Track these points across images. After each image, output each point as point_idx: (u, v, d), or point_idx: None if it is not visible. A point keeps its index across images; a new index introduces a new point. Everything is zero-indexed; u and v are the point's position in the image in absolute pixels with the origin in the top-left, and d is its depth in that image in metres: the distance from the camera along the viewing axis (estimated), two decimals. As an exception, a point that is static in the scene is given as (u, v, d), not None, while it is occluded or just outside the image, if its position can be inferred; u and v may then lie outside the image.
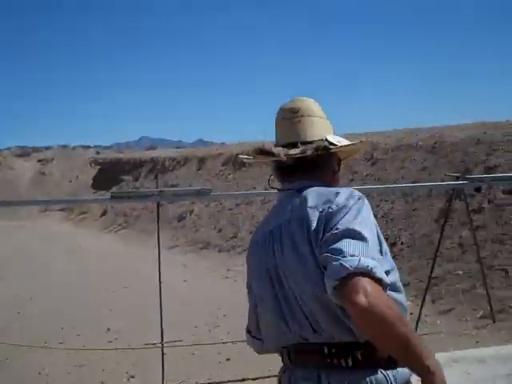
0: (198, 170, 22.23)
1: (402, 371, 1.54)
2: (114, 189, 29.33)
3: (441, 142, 12.15)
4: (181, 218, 17.96)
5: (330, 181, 1.85)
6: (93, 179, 32.36)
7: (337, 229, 1.51)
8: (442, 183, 7.58)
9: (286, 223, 1.70)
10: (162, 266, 13.13)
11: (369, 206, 1.63)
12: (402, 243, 10.15)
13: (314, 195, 1.69)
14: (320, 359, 1.57)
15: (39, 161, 36.66)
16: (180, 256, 14.42)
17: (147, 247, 15.82)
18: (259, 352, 1.84)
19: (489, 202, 9.52)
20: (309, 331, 1.59)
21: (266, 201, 14.81)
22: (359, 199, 1.61)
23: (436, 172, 11.11)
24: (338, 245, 1.46)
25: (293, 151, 1.74)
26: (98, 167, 33.04)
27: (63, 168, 34.92)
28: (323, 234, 1.55)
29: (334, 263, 1.42)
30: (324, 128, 1.84)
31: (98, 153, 40.11)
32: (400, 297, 1.61)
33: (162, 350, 5.60)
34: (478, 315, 7.38)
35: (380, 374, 1.51)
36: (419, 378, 1.41)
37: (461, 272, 8.63)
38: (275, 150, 1.76)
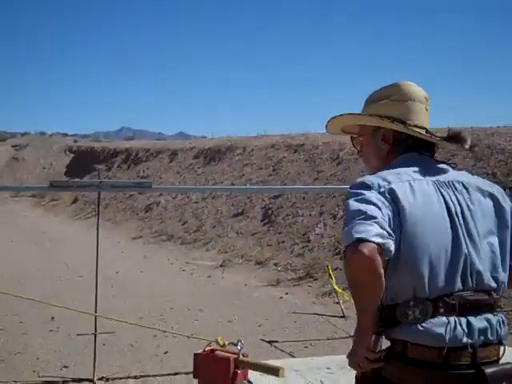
0: (170, 162, 22.13)
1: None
2: (87, 177, 29.11)
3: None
4: (148, 209, 17.88)
5: None
6: (66, 167, 32.11)
7: None
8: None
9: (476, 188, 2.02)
10: (123, 256, 13.08)
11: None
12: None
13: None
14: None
15: (13, 146, 36.27)
16: (142, 247, 14.35)
17: (111, 237, 15.74)
18: None
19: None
20: None
21: (232, 196, 14.80)
22: None
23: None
24: None
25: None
26: (72, 155, 32.80)
27: (38, 155, 34.54)
28: None
29: None
30: None
31: (75, 141, 39.72)
32: None
33: (95, 341, 5.55)
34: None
35: None
36: None
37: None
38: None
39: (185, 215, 15.83)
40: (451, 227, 1.90)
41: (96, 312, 5.73)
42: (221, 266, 11.37)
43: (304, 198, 12.60)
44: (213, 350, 2.52)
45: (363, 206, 1.81)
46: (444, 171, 2.07)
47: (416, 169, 2.01)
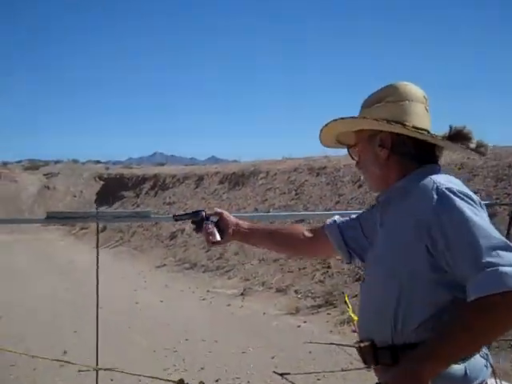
0: (196, 188, 22.19)
1: None
2: (116, 205, 29.41)
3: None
4: (173, 237, 17.88)
5: None
6: (96, 194, 32.46)
7: None
8: None
9: None
10: (145, 285, 13.05)
11: None
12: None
13: None
14: None
15: (45, 175, 36.82)
16: (166, 275, 14.32)
17: (136, 265, 15.77)
18: None
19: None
20: None
21: (256, 222, 14.66)
22: None
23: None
24: None
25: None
26: (102, 183, 33.15)
27: (68, 183, 35.01)
28: None
29: None
30: None
31: (107, 168, 40.23)
32: None
33: (97, 376, 5.46)
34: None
35: None
36: None
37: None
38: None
39: (206, 243, 15.77)
40: None
41: (97, 345, 5.62)
42: (241, 294, 11.26)
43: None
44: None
45: (498, 235, 1.62)
46: None
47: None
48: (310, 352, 7.41)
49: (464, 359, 1.69)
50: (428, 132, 1.93)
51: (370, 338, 1.85)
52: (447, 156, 11.61)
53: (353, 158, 2.13)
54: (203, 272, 13.87)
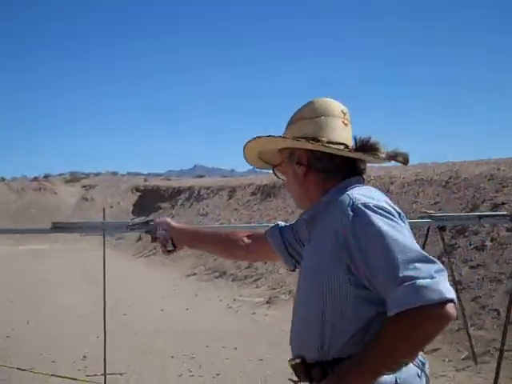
0: (229, 199, 22.29)
1: None
2: (152, 216, 29.70)
3: (455, 177, 11.89)
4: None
5: None
6: (133, 206, 32.83)
7: None
8: (415, 220, 7.48)
9: None
10: (174, 294, 13.14)
11: None
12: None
13: None
14: None
15: (83, 187, 37.42)
16: (195, 284, 14.39)
17: (167, 274, 15.90)
18: None
19: (491, 239, 9.22)
20: None
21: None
22: None
23: (446, 207, 10.86)
24: None
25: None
26: (139, 194, 33.51)
27: (106, 194, 35.50)
28: None
29: None
30: None
31: (145, 180, 40.68)
32: None
33: (105, 381, 5.53)
34: (462, 356, 7.10)
35: None
36: None
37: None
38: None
39: (238, 251, 15.83)
40: None
41: (105, 353, 5.69)
42: (267, 302, 11.26)
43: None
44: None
45: (418, 247, 1.63)
46: None
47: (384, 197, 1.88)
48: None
49: (395, 369, 1.67)
50: (346, 146, 1.92)
51: (301, 354, 1.86)
52: (476, 167, 11.50)
53: (278, 177, 2.15)
54: (232, 281, 13.91)
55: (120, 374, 6.74)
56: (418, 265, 1.55)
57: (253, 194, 20.67)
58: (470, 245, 9.54)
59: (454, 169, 12.69)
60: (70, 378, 6.20)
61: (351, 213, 1.69)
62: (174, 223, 2.58)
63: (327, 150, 1.89)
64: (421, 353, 1.84)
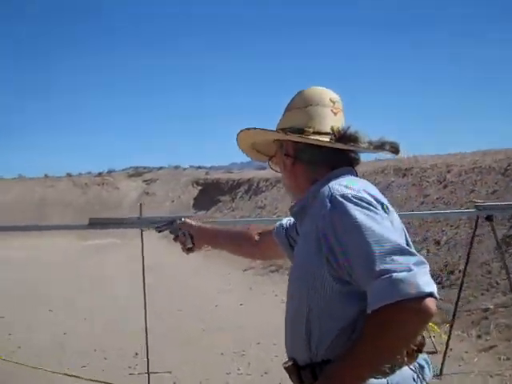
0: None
1: None
2: (213, 209, 29.89)
3: (516, 164, 11.48)
4: (262, 240, 17.97)
5: None
6: (194, 199, 33.13)
7: None
8: (454, 211, 7.27)
9: None
10: (229, 288, 13.14)
11: None
12: (459, 271, 9.62)
13: None
14: None
15: (144, 181, 37.98)
16: (251, 278, 14.40)
17: (224, 268, 15.95)
18: None
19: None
20: None
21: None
22: None
23: (506, 196, 10.49)
24: None
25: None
26: (200, 188, 33.79)
27: (167, 188, 35.95)
28: None
29: None
30: None
31: (206, 173, 40.98)
32: None
33: (149, 381, 5.56)
34: (520, 356, 6.85)
35: None
36: None
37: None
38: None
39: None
40: None
41: (147, 352, 5.71)
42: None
43: (409, 223, 12.15)
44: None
45: (397, 238, 1.55)
46: None
47: (372, 186, 1.84)
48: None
49: (387, 372, 1.61)
50: (335, 135, 1.87)
51: (293, 356, 1.79)
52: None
53: (273, 169, 2.13)
54: (288, 275, 13.84)
55: (169, 372, 6.75)
56: (395, 257, 1.48)
57: (310, 185, 20.55)
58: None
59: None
60: (75, 377, 6.26)
61: (329, 204, 1.64)
62: (194, 223, 2.67)
63: (305, 141, 1.86)
64: (423, 355, 1.77)
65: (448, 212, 9.00)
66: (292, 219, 2.25)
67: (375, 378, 1.59)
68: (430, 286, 1.46)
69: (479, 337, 7.64)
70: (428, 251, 10.84)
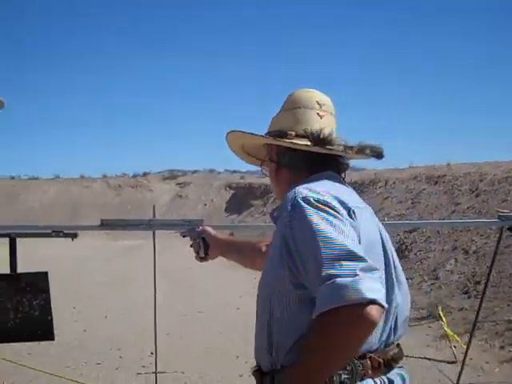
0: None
1: None
2: (245, 213, 29.91)
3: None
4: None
5: None
6: (226, 203, 33.22)
7: None
8: (475, 221, 7.05)
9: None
10: (252, 292, 13.08)
11: None
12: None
13: None
14: None
15: (178, 184, 38.20)
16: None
17: (247, 271, 15.81)
18: None
19: None
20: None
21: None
22: None
23: (539, 206, 10.24)
24: None
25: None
26: (232, 192, 33.88)
27: (200, 192, 36.10)
28: None
29: None
30: None
31: (241, 177, 41.04)
32: None
33: (156, 380, 5.48)
34: None
35: None
36: None
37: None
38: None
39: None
40: (387, 272, 1.64)
41: (156, 350, 5.63)
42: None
43: (438, 232, 11.94)
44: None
45: (351, 244, 1.47)
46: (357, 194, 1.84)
47: (349, 191, 1.76)
48: (398, 366, 7.08)
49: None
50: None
51: (258, 362, 1.71)
52: None
53: (265, 175, 2.03)
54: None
55: (182, 373, 6.68)
56: (343, 262, 1.39)
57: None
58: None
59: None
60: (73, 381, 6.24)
61: (290, 207, 1.57)
62: (212, 231, 2.59)
63: (281, 144, 1.82)
64: (399, 370, 1.68)
65: (470, 221, 8.76)
66: None
67: None
68: (375, 293, 1.35)
69: (502, 348, 7.44)
70: (456, 260, 10.62)
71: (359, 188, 18.93)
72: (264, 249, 2.35)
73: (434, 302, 9.41)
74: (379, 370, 1.59)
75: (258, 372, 1.69)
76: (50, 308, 4.83)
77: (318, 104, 1.85)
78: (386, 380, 1.61)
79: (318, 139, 1.76)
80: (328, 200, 1.56)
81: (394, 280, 1.65)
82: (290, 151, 1.80)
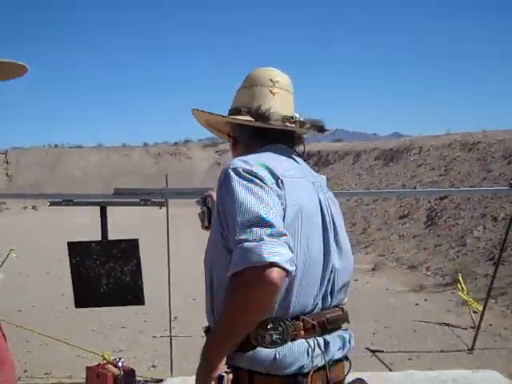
0: (353, 163, 21.99)
1: None
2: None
3: None
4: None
5: None
6: (264, 171, 33.25)
7: None
8: (488, 188, 6.96)
9: (326, 188, 1.86)
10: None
11: None
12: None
13: None
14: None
15: (216, 151, 38.29)
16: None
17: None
18: None
19: None
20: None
21: (401, 197, 14.34)
22: None
23: None
24: None
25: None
26: (271, 159, 33.83)
27: (238, 159, 36.13)
28: None
29: None
30: None
31: (282, 145, 40.90)
32: None
33: (171, 343, 5.59)
34: None
35: None
36: None
37: None
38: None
39: (355, 217, 15.60)
40: (324, 237, 1.70)
41: (170, 316, 5.76)
42: (372, 269, 11.01)
43: (469, 199, 11.81)
44: (103, 365, 2.47)
45: (265, 211, 1.53)
46: (306, 165, 1.88)
47: (289, 162, 1.80)
48: (415, 331, 7.11)
49: (277, 343, 1.58)
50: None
51: (208, 322, 1.80)
52: None
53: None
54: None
55: (202, 336, 6.78)
56: (253, 228, 1.47)
57: (376, 158, 20.27)
58: None
59: None
60: None
61: (222, 177, 1.65)
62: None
63: (228, 120, 1.90)
64: (339, 332, 1.73)
65: (481, 189, 8.69)
66: None
67: (266, 347, 1.57)
68: (277, 257, 1.41)
69: (522, 315, 7.40)
70: (484, 227, 10.51)
71: (394, 156, 18.77)
72: None
73: (459, 268, 9.36)
74: (313, 331, 1.63)
75: (206, 332, 1.77)
76: (141, 273, 4.99)
77: (272, 81, 1.90)
78: (321, 341, 1.65)
79: (258, 115, 1.81)
80: (255, 170, 1.62)
81: (332, 245, 1.70)
82: (240, 127, 1.87)
